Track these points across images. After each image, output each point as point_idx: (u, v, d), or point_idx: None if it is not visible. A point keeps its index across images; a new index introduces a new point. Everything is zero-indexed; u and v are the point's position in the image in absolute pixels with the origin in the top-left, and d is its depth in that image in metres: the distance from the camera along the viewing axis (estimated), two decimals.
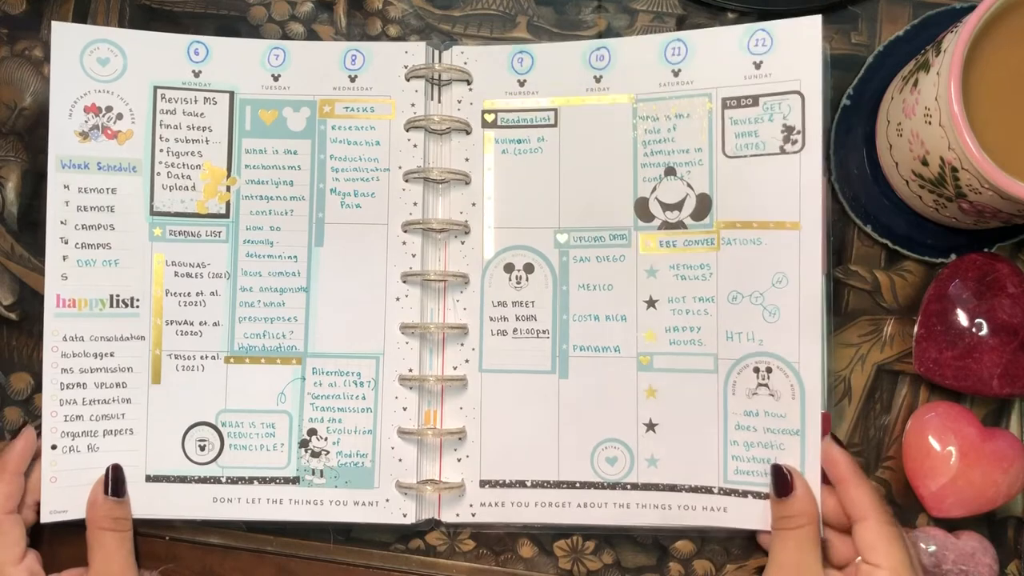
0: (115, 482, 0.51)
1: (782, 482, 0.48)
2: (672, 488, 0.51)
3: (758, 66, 0.50)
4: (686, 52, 0.51)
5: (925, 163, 0.47)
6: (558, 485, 0.51)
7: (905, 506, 0.53)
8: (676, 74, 0.51)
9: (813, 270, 0.49)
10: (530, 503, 0.51)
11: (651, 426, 0.51)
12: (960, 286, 0.51)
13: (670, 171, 0.51)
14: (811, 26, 0.49)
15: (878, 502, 0.47)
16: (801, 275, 0.49)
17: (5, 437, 0.54)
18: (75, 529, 0.51)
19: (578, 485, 0.51)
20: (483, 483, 0.52)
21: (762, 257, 0.50)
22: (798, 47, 0.49)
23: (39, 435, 0.51)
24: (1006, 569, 0.52)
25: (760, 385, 0.50)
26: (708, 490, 0.50)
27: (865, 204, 0.53)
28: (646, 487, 0.51)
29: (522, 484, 0.51)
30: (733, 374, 0.50)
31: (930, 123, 0.45)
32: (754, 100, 0.50)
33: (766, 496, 0.49)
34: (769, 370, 0.50)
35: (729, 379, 0.51)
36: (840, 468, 0.48)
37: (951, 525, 0.52)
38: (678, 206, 0.51)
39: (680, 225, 0.51)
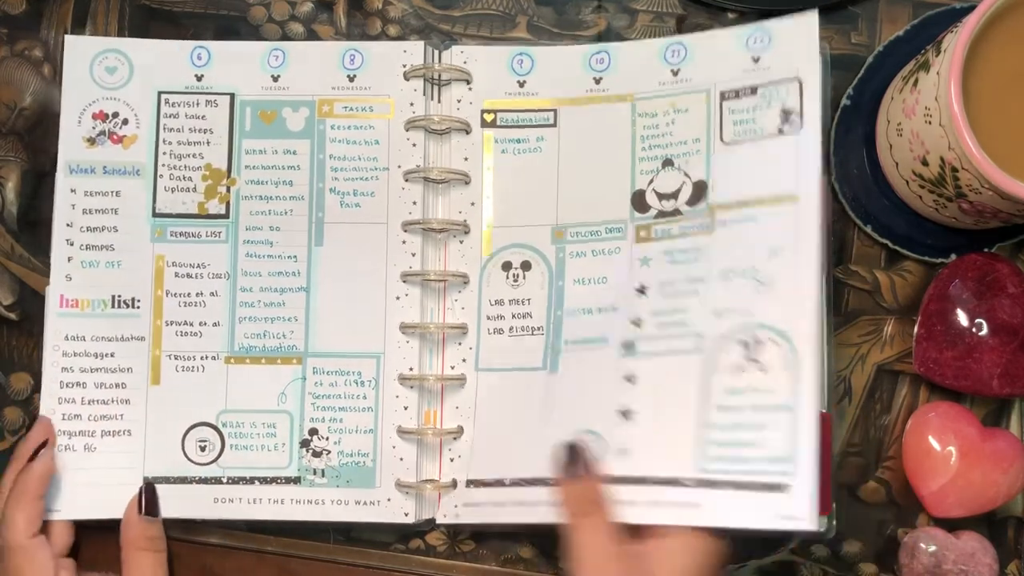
0: (149, 501, 0.50)
1: (573, 459, 0.46)
2: (640, 481, 0.46)
3: (756, 60, 0.49)
4: (685, 54, 0.51)
5: (925, 163, 0.47)
6: (533, 483, 0.49)
7: (905, 506, 0.53)
8: (675, 73, 0.51)
9: (811, 240, 0.45)
10: (506, 502, 0.50)
11: (627, 414, 0.48)
12: (960, 286, 0.51)
13: (667, 163, 0.51)
14: (808, 22, 0.48)
15: None
16: (798, 245, 0.46)
17: (5, 437, 0.55)
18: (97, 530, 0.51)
19: (551, 482, 0.48)
20: (469, 483, 0.51)
21: (757, 234, 0.47)
22: (795, 42, 0.48)
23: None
24: (1006, 569, 0.52)
25: (749, 360, 0.46)
26: (678, 482, 0.45)
27: (865, 204, 0.53)
28: (613, 481, 0.46)
29: (500, 483, 0.50)
30: (719, 351, 0.46)
31: (930, 123, 0.45)
32: (752, 90, 0.49)
33: (744, 487, 0.44)
34: (759, 342, 0.46)
35: (714, 357, 0.46)
36: None
37: (951, 525, 0.51)
38: (674, 195, 0.50)
39: (675, 213, 0.50)
